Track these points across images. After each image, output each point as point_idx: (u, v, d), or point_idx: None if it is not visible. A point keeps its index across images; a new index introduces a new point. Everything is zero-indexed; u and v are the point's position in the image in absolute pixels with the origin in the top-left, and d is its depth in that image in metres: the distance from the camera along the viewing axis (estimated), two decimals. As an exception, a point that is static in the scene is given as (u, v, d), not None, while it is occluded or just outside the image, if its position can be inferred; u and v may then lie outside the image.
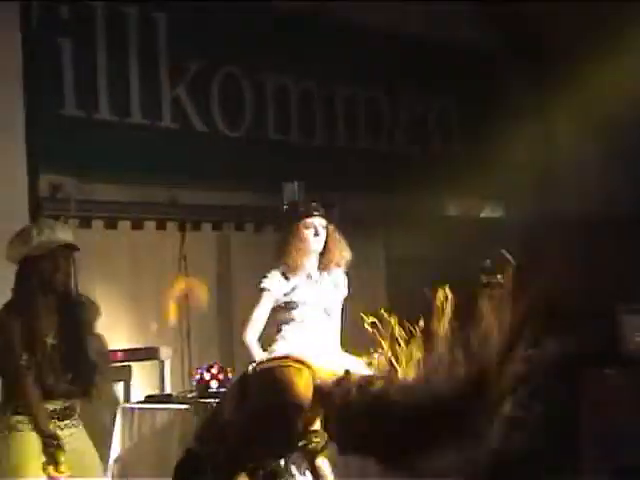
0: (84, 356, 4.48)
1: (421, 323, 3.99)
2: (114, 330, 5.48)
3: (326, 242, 4.49)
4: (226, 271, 6.74)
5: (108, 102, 6.12)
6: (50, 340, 4.31)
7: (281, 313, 4.37)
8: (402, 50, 7.59)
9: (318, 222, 4.48)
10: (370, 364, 4.23)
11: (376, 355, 4.17)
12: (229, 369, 5.80)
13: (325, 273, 4.52)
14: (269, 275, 4.39)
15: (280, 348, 4.31)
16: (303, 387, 3.93)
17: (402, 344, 3.97)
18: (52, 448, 4.31)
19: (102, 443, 5.23)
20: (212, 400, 5.36)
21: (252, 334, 4.33)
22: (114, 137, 6.12)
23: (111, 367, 5.32)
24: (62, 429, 4.32)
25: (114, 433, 5.63)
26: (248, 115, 6.92)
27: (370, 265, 6.86)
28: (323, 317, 4.45)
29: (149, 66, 6.31)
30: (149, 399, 5.92)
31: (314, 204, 4.65)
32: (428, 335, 3.94)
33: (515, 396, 3.55)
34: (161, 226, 6.40)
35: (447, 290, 3.73)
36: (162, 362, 6.17)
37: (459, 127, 8.37)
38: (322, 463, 4.40)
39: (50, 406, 4.31)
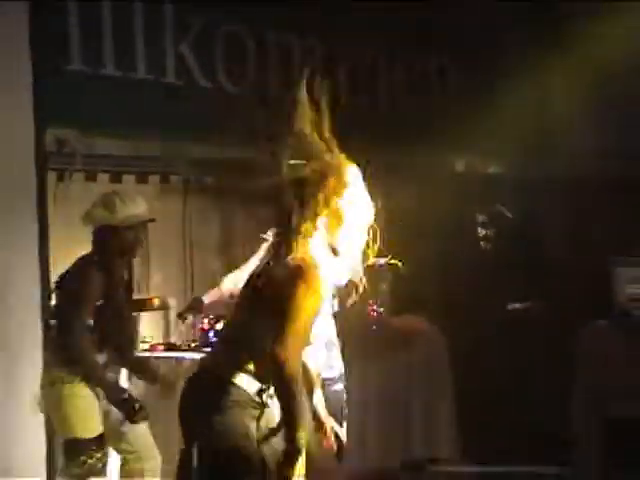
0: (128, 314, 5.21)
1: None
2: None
3: None
4: (228, 223, 6.87)
5: (113, 58, 6.17)
6: (113, 298, 4.82)
7: None
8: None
9: None
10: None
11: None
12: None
13: None
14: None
15: None
16: None
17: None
18: (123, 399, 4.78)
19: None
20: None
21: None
22: (119, 92, 6.19)
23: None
24: None
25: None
26: (251, 72, 6.94)
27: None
28: None
29: (154, 23, 6.40)
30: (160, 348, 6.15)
31: None
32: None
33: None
34: (165, 180, 6.60)
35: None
36: (168, 312, 6.38)
37: (458, 83, 8.29)
38: None
39: (101, 359, 4.79)
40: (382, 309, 6.52)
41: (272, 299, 3.16)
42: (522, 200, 8.16)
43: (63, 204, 6.07)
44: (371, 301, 6.28)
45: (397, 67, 8.13)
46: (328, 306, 4.41)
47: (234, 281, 5.39)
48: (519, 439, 6.46)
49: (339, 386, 4.61)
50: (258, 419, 3.13)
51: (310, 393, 3.88)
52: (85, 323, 4.84)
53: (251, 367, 3.15)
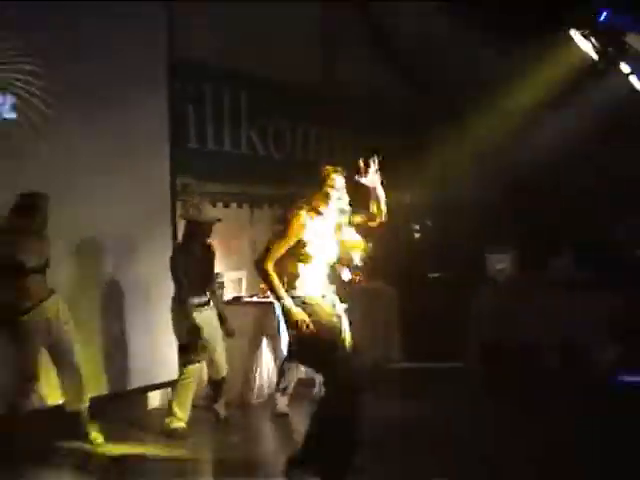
0: (211, 275, 6.56)
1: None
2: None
3: None
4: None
5: (213, 138, 8.17)
6: (194, 263, 6.27)
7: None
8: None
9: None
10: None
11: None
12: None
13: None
14: None
15: None
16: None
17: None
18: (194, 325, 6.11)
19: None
20: (267, 300, 7.11)
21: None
22: (215, 158, 8.15)
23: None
24: (201, 313, 6.35)
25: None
26: (289, 147, 9.02)
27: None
28: None
29: (234, 123, 8.34)
30: (235, 299, 7.78)
31: None
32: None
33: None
34: (239, 206, 8.38)
35: None
36: (241, 279, 8.06)
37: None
38: None
39: (197, 300, 6.33)
40: (361, 277, 7.83)
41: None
42: (437, 216, 10.18)
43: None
44: (356, 272, 7.39)
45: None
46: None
47: None
48: (440, 345, 8.26)
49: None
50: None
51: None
52: (180, 278, 6.29)
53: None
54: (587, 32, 7.38)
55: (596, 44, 7.57)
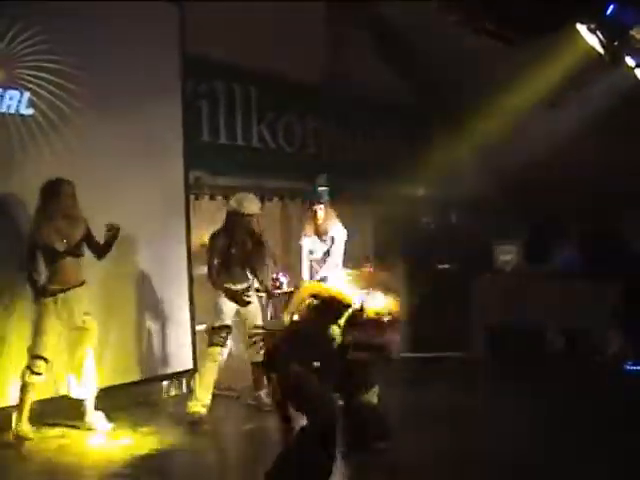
0: (257, 265, 6.72)
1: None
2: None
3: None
4: (287, 222, 8.72)
5: (225, 132, 8.32)
6: (233, 251, 6.44)
7: None
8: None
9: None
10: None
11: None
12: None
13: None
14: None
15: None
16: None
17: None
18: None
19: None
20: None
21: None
22: (227, 152, 8.30)
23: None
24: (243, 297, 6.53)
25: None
26: (298, 140, 9.21)
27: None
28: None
29: (246, 119, 8.53)
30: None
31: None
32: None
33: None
34: None
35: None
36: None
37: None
38: None
39: (239, 286, 6.54)
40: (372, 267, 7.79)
41: None
42: (446, 211, 10.14)
43: (197, 213, 7.77)
44: (368, 264, 7.85)
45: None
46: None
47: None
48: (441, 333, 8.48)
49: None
50: None
51: None
52: (214, 262, 6.49)
53: None
54: (593, 26, 7.20)
55: (602, 38, 7.39)
